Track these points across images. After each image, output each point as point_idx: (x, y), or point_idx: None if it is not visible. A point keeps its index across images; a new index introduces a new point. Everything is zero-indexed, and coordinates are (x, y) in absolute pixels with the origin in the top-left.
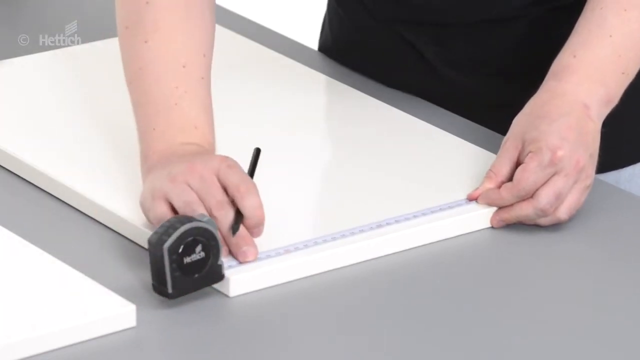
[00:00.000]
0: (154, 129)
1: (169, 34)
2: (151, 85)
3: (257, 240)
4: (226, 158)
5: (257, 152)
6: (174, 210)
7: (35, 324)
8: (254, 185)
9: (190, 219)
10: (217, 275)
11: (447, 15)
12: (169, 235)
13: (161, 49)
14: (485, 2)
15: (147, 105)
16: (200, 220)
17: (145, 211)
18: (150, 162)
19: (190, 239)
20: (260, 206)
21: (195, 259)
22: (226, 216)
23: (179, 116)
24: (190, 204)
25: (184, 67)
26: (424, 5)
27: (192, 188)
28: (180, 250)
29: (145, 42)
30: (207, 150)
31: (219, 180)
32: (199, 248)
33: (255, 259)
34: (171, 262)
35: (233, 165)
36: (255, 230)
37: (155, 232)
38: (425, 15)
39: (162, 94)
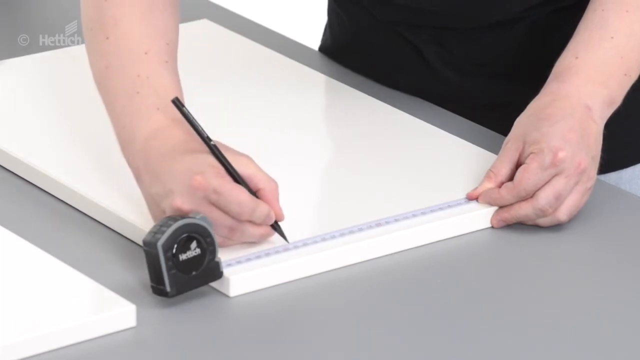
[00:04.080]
0: (123, 127)
1: (129, 26)
2: (115, 80)
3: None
4: (204, 178)
5: (177, 102)
6: None
7: (35, 324)
8: (243, 193)
9: (183, 217)
10: (216, 272)
11: (448, 19)
12: (162, 233)
13: (121, 41)
14: (486, 6)
15: (114, 102)
16: (193, 217)
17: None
18: (134, 166)
19: (184, 235)
20: (265, 206)
21: (191, 256)
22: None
23: (141, 105)
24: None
25: (145, 54)
26: (424, 9)
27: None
28: (175, 247)
29: (107, 38)
30: (168, 137)
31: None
32: (194, 245)
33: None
34: (166, 259)
35: (219, 189)
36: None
37: (149, 232)
38: (425, 18)
39: (124, 85)
